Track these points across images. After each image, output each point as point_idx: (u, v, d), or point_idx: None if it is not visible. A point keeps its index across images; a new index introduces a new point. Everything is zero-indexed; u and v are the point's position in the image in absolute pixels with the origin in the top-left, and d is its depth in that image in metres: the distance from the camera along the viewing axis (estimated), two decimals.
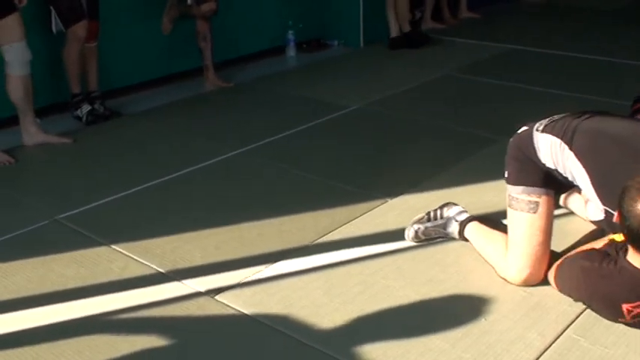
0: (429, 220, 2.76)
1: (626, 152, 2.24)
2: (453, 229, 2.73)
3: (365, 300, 2.41)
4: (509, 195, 2.48)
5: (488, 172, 3.33)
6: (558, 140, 2.35)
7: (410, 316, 2.34)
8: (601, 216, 2.32)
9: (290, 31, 5.65)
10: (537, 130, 2.43)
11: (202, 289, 2.50)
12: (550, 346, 2.17)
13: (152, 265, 2.66)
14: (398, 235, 2.81)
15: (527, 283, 2.44)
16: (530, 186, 2.43)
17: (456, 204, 2.81)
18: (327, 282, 2.53)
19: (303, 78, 5.21)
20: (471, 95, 4.68)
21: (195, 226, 2.93)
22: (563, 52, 5.57)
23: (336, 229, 2.89)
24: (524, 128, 2.51)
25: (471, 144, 3.76)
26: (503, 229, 2.57)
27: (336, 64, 5.54)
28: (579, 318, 2.28)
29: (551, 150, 2.37)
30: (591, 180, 2.29)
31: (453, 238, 2.74)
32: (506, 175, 2.51)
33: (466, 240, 2.70)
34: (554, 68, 5.24)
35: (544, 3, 7.56)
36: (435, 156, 3.64)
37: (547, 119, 2.45)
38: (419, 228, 2.75)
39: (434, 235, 2.76)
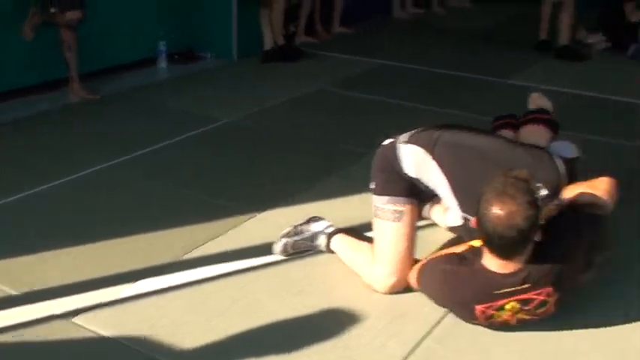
0: (296, 233, 2.78)
1: (484, 163, 2.38)
2: (321, 241, 2.75)
3: (231, 316, 2.38)
4: (375, 205, 2.55)
5: (358, 186, 3.35)
6: (421, 150, 2.46)
7: (278, 330, 2.32)
8: (459, 222, 2.44)
9: (161, 42, 5.52)
10: (401, 141, 2.52)
11: (58, 312, 2.37)
12: (409, 354, 2.21)
13: (3, 288, 2.50)
14: (266, 249, 2.79)
15: (394, 290, 2.50)
16: (395, 196, 2.51)
17: (322, 218, 2.84)
18: (192, 299, 2.47)
19: (174, 90, 5.11)
20: (343, 109, 4.74)
21: (56, 244, 2.79)
22: (432, 69, 5.76)
23: (204, 244, 2.84)
24: (389, 140, 2.60)
25: (342, 157, 3.81)
26: (369, 240, 2.63)
27: (208, 76, 5.47)
28: (439, 325, 2.34)
29: (414, 160, 2.48)
30: (451, 188, 2.41)
31: (321, 251, 2.75)
32: (372, 187, 2.58)
33: (332, 252, 2.72)
34: (423, 83, 5.41)
35: (413, 20, 7.82)
36: (306, 170, 3.65)
37: (411, 131, 2.55)
38: (287, 242, 2.75)
39: (302, 248, 2.76)
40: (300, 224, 2.81)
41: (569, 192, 2.40)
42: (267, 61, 5.82)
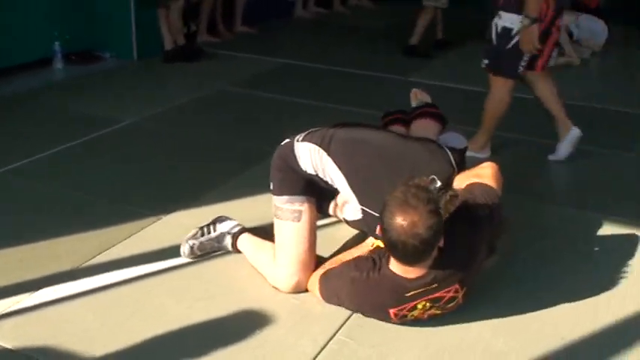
0: (202, 234, 2.76)
1: (379, 158, 2.48)
2: (227, 242, 2.76)
3: (138, 321, 2.35)
4: (275, 205, 2.59)
5: (264, 185, 3.36)
6: (317, 147, 2.51)
7: (185, 334, 2.31)
8: (359, 215, 2.49)
9: (56, 42, 5.35)
10: (297, 140, 2.57)
11: None
12: (322, 350, 2.26)
13: None
14: (172, 252, 2.77)
15: (297, 289, 2.52)
16: (293, 195, 2.55)
17: (228, 217, 2.84)
18: (97, 306, 2.42)
19: (72, 91, 4.96)
20: (246, 109, 4.75)
21: None
22: (334, 67, 5.85)
23: (108, 249, 2.78)
24: (286, 140, 2.64)
25: (247, 157, 3.81)
26: (273, 239, 2.64)
27: (108, 77, 5.34)
28: (349, 321, 2.39)
29: (311, 157, 2.52)
30: (348, 182, 2.46)
31: (228, 251, 2.76)
32: (270, 187, 2.61)
33: (239, 252, 2.73)
34: (325, 82, 5.49)
35: (315, 19, 7.91)
36: (210, 171, 3.63)
37: (307, 130, 2.60)
38: (194, 244, 2.73)
39: (209, 249, 2.76)
40: (206, 225, 2.80)
41: (459, 181, 2.49)
42: (168, 61, 5.74)
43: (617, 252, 2.95)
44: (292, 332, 2.34)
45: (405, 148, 2.55)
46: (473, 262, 2.32)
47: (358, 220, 2.53)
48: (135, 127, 4.24)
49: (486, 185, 2.48)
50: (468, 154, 2.97)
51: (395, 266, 2.25)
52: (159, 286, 2.56)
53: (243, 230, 2.77)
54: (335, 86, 5.37)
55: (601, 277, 2.73)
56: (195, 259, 2.73)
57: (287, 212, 2.54)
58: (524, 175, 3.67)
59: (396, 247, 2.16)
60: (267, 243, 2.68)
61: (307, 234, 2.55)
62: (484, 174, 2.55)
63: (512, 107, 3.86)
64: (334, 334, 2.33)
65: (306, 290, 2.53)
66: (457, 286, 2.27)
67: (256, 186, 3.38)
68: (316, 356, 2.23)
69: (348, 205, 2.64)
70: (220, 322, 2.39)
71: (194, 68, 5.68)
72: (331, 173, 2.50)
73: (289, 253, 2.53)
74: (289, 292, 2.52)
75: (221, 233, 2.77)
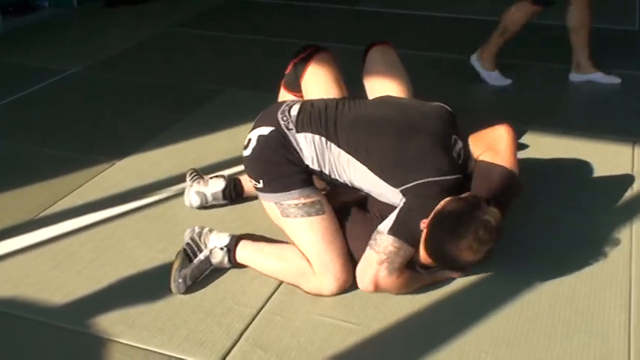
0: (189, 259, 2.25)
1: (397, 131, 2.21)
2: (221, 258, 2.29)
3: (99, 266, 2.34)
4: (281, 205, 2.21)
5: (218, 122, 3.39)
6: (321, 138, 2.21)
7: (148, 275, 2.31)
8: (398, 200, 2.16)
9: None
10: (291, 129, 2.24)
11: None
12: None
13: None
14: (128, 196, 2.75)
15: (344, 288, 2.18)
16: (303, 187, 2.22)
17: (205, 228, 2.36)
18: (56, 255, 2.40)
19: (11, 43, 4.79)
20: (195, 49, 4.66)
21: None
22: (282, 1, 5.75)
23: (61, 199, 2.74)
24: (269, 129, 2.25)
25: (197, 98, 3.75)
26: (278, 239, 2.38)
27: (47, 27, 5.17)
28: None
29: (317, 149, 2.22)
30: (373, 170, 2.18)
31: (224, 268, 2.32)
32: (260, 185, 2.25)
33: (241, 266, 2.31)
34: (273, 16, 5.40)
35: None
36: (160, 113, 3.58)
37: (291, 113, 2.26)
38: (185, 276, 2.21)
39: (203, 272, 2.28)
40: (188, 246, 2.29)
41: (475, 149, 2.30)
42: (110, 6, 5.59)
43: None
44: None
45: (414, 112, 2.29)
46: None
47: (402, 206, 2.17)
48: (79, 77, 4.14)
49: (510, 172, 2.23)
50: None
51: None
52: (117, 230, 2.54)
53: (239, 239, 2.31)
54: (283, 20, 5.29)
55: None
56: (153, 200, 2.71)
57: (304, 208, 2.19)
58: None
59: (445, 264, 2.13)
60: (280, 246, 2.30)
61: (335, 223, 2.22)
62: (501, 149, 2.25)
63: None
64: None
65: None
66: None
67: (210, 124, 3.38)
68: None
69: (384, 197, 2.24)
70: None
71: (138, 11, 5.53)
72: (346, 167, 2.21)
73: (327, 251, 2.16)
74: (337, 294, 2.18)
75: (210, 252, 2.29)
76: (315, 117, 2.25)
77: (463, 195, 2.07)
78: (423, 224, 2.07)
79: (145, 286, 2.25)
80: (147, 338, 2.02)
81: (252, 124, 2.36)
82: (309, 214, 2.18)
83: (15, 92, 3.84)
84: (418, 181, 2.12)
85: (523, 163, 2.46)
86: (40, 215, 2.64)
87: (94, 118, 3.53)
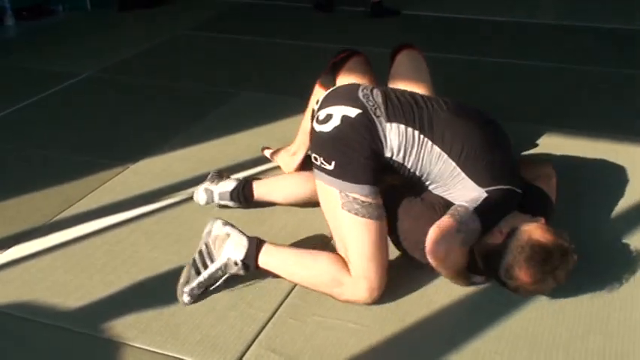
0: (197, 272, 2.16)
1: (486, 137, 2.22)
2: (236, 270, 2.16)
3: (112, 270, 2.34)
4: (347, 195, 2.09)
5: (232, 125, 3.39)
6: (414, 131, 2.15)
7: (161, 279, 2.30)
8: (482, 195, 2.12)
9: None
10: (382, 118, 2.14)
11: None
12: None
13: None
14: (142, 199, 2.75)
15: (376, 299, 2.11)
16: (376, 185, 2.13)
17: (224, 230, 2.19)
18: (70, 259, 2.40)
19: (26, 48, 4.82)
20: (208, 52, 4.67)
21: None
22: (300, 4, 5.74)
23: (76, 203, 2.75)
24: (357, 112, 2.14)
25: (211, 101, 3.76)
26: (305, 245, 2.32)
27: (62, 31, 5.20)
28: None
29: (405, 141, 2.14)
30: (462, 169, 2.14)
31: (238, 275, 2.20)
32: (330, 167, 2.11)
33: (264, 270, 2.18)
34: (287, 20, 5.40)
35: None
36: (174, 116, 3.58)
37: (376, 100, 2.19)
38: (192, 288, 2.14)
39: (218, 281, 2.18)
40: (199, 255, 2.18)
41: (530, 176, 2.38)
42: (123, 10, 5.61)
43: None
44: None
45: (483, 116, 2.32)
46: None
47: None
48: (92, 80, 4.15)
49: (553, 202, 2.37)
50: None
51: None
52: (131, 234, 2.54)
53: (259, 244, 2.16)
54: (297, 23, 5.28)
55: None
56: (165, 204, 2.71)
57: (369, 208, 2.09)
58: None
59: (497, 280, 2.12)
60: (311, 254, 2.18)
61: (386, 233, 2.16)
62: (552, 185, 2.41)
63: None
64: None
65: None
66: None
67: (221, 128, 3.37)
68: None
69: (469, 197, 2.14)
70: None
71: (151, 14, 5.55)
72: (432, 161, 2.15)
73: (371, 259, 2.08)
74: (368, 304, 2.11)
75: (225, 262, 2.15)
76: (407, 109, 2.18)
77: (557, 230, 2.07)
78: (500, 235, 2.07)
79: (159, 290, 2.24)
80: (160, 342, 2.02)
81: (267, 126, 2.32)
82: (371, 217, 2.09)
83: (29, 96, 3.85)
84: (504, 186, 2.13)
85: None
86: (54, 219, 2.64)
87: (107, 122, 3.54)
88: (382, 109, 2.16)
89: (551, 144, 3.12)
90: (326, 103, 2.26)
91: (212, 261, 2.16)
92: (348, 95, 2.23)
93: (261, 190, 2.59)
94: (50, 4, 5.56)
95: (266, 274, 2.22)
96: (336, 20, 5.33)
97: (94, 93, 3.96)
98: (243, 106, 3.67)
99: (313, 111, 2.35)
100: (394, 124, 2.14)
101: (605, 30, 4.91)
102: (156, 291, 2.24)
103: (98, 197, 2.79)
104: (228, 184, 2.61)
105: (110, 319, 2.11)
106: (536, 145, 3.11)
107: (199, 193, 2.63)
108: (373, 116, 2.14)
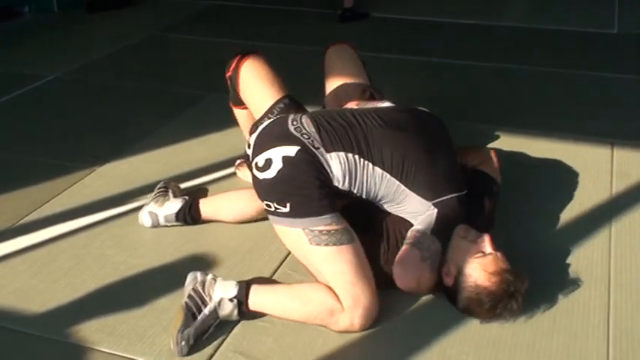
0: (193, 317, 2.01)
1: (424, 146, 2.22)
2: (230, 310, 2.05)
3: (78, 274, 2.32)
4: (311, 231, 2.04)
5: (198, 128, 3.37)
6: (354, 156, 2.13)
7: (128, 282, 2.29)
8: (432, 213, 2.15)
9: None
10: (316, 147, 2.12)
11: None
12: (275, 271, 2.29)
13: None
14: (109, 202, 2.73)
15: (375, 321, 2.06)
16: (336, 211, 2.09)
17: (209, 278, 2.12)
18: (35, 263, 2.38)
19: None
20: (178, 54, 4.65)
21: None
22: (268, 6, 5.74)
23: (41, 206, 2.71)
24: (292, 149, 2.10)
25: (179, 102, 3.74)
26: (289, 280, 2.25)
27: (28, 33, 5.12)
28: (290, 256, 2.35)
29: (348, 168, 2.12)
30: (408, 185, 2.15)
31: (231, 320, 2.09)
32: (285, 210, 2.07)
33: (253, 315, 2.09)
34: (259, 21, 5.39)
35: None
36: (142, 118, 3.55)
37: (308, 130, 2.16)
38: (188, 336, 1.97)
39: (210, 328, 2.04)
40: (190, 299, 2.05)
41: (473, 162, 2.45)
42: (92, 11, 5.55)
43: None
44: (238, 268, 2.33)
45: (421, 120, 2.33)
46: None
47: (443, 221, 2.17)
48: (59, 82, 4.10)
49: (497, 183, 2.43)
50: None
51: None
52: (98, 237, 2.52)
53: (249, 285, 2.09)
54: (268, 24, 5.28)
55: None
56: (132, 207, 2.69)
57: (337, 235, 2.04)
58: None
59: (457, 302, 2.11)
60: (300, 287, 2.11)
61: (362, 251, 2.10)
62: (493, 167, 2.46)
63: None
64: (277, 268, 2.33)
65: (248, 228, 2.47)
66: None
67: (189, 129, 3.36)
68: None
69: (419, 217, 2.18)
70: (164, 267, 2.37)
71: (120, 16, 5.51)
72: (376, 182, 2.14)
73: (357, 283, 2.02)
74: (364, 330, 2.05)
75: (216, 305, 2.04)
76: (341, 133, 2.15)
77: (500, 266, 2.04)
78: (449, 278, 2.08)
79: (125, 294, 2.23)
80: (127, 346, 2.00)
81: (236, 128, 2.33)
82: (341, 242, 2.04)
83: None
84: (448, 196, 2.17)
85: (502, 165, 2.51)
86: (19, 223, 2.61)
87: (75, 124, 3.50)
88: (318, 140, 2.13)
89: (503, 143, 3.16)
90: (260, 147, 2.18)
91: (205, 304, 2.04)
92: (280, 134, 2.17)
93: (207, 209, 2.53)
94: (15, 6, 5.49)
95: (230, 276, 2.21)
96: (309, 23, 5.34)
97: (62, 95, 3.92)
98: (212, 107, 3.65)
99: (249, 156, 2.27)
100: (333, 154, 2.12)
101: (566, 32, 4.98)
102: (122, 295, 2.22)
103: (64, 200, 2.76)
104: (174, 205, 2.53)
105: (76, 324, 2.08)
106: (486, 144, 3.15)
107: (144, 216, 2.54)
108: (313, 149, 2.11)
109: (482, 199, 2.31)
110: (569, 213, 2.63)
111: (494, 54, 4.51)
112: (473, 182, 2.32)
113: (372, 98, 2.55)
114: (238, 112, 2.69)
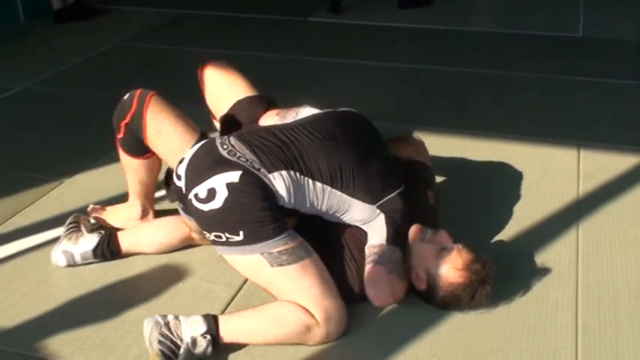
0: (175, 355, 1.95)
1: (356, 150, 2.22)
2: (205, 347, 1.96)
3: (47, 287, 2.30)
4: (270, 254, 2.00)
5: None
6: (295, 173, 2.09)
7: (97, 295, 2.28)
8: (381, 219, 2.19)
9: None
10: (257, 169, 2.06)
11: None
12: (237, 293, 2.27)
13: None
14: (78, 214, 2.69)
15: (346, 326, 2.08)
16: (288, 228, 2.06)
17: (170, 319, 2.00)
18: (3, 277, 2.35)
19: None
20: (146, 64, 4.62)
21: None
22: (232, 14, 5.74)
23: (7, 220, 2.68)
24: (235, 174, 2.02)
25: None
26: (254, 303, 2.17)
27: None
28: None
29: (291, 186, 2.08)
30: (349, 194, 2.15)
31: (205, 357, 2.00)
32: (239, 238, 1.99)
33: (227, 343, 2.02)
34: (226, 29, 5.38)
35: None
36: (110, 129, 3.47)
37: (242, 152, 2.10)
38: None
39: None
40: (163, 353, 1.95)
41: (406, 153, 2.48)
42: (58, 22, 5.50)
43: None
44: (207, 279, 2.33)
45: (346, 122, 2.31)
46: None
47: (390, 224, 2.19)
48: (27, 93, 4.06)
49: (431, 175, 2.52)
50: None
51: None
52: None
53: (215, 317, 2.02)
54: (235, 33, 5.28)
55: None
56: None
57: (296, 251, 2.02)
58: None
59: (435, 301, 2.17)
60: (270, 308, 2.05)
61: (321, 261, 2.10)
62: (425, 156, 2.55)
63: None
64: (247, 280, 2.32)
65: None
66: None
67: None
68: (232, 299, 2.24)
69: (369, 224, 2.21)
70: (140, 276, 2.36)
71: (87, 26, 5.45)
72: (318, 197, 2.13)
73: (324, 295, 2.03)
74: (339, 339, 2.06)
75: (190, 342, 1.96)
76: (277, 152, 2.10)
77: (466, 257, 2.11)
78: (420, 282, 2.14)
79: (95, 306, 2.21)
80: (97, 358, 1.99)
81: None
82: (302, 258, 2.02)
83: None
84: (390, 196, 2.20)
85: (469, 168, 2.53)
86: None
87: (42, 136, 3.47)
88: (257, 161, 2.07)
89: (468, 147, 3.21)
90: (197, 177, 2.07)
91: (178, 347, 1.95)
92: (215, 160, 2.08)
93: (127, 241, 2.42)
94: None
95: (199, 285, 2.21)
96: (278, 29, 5.35)
97: (29, 106, 3.88)
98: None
99: (171, 184, 2.22)
100: (276, 174, 2.06)
101: (531, 36, 5.05)
102: (92, 308, 2.21)
103: (31, 214, 2.73)
104: (89, 242, 2.39)
105: (45, 337, 2.07)
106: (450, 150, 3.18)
107: (57, 256, 2.39)
108: (255, 171, 2.05)
109: (423, 188, 2.39)
110: (536, 215, 2.67)
111: (458, 59, 4.56)
112: (410, 173, 2.37)
113: (274, 106, 2.51)
114: (132, 164, 2.49)
